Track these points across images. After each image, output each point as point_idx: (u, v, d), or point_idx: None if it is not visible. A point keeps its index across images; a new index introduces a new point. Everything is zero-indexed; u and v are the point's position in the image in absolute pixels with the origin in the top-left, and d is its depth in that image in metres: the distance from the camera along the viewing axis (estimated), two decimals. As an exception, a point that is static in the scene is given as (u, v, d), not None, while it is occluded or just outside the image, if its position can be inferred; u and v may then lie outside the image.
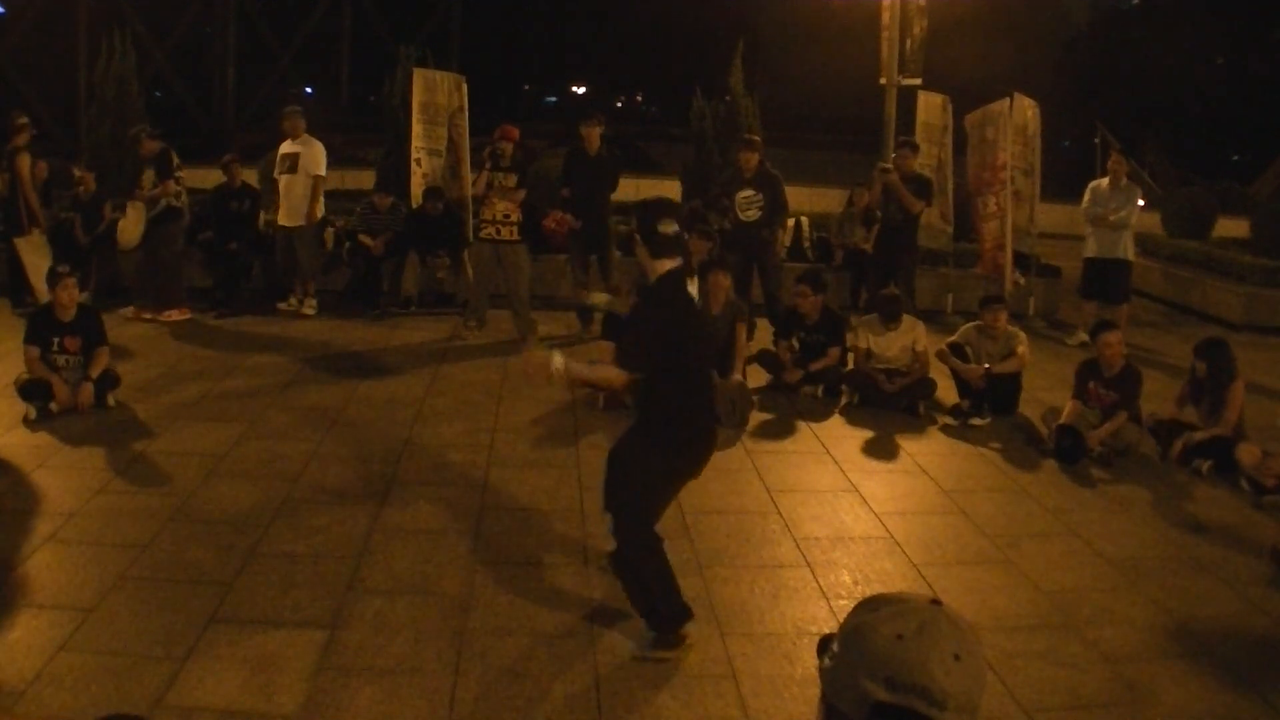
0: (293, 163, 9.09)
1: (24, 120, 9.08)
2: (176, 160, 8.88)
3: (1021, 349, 6.99)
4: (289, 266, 9.32)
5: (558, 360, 3.62)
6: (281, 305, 9.30)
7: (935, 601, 1.26)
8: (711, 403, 4.18)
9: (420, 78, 10.22)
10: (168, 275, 8.87)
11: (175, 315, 8.77)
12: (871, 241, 10.36)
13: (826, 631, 1.39)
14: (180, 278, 8.97)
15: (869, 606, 1.27)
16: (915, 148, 9.61)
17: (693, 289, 3.89)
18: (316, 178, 9.17)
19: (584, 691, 3.54)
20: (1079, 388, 6.47)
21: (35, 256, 8.89)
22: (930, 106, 10.89)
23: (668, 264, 3.75)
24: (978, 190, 10.20)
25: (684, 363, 3.79)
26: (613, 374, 3.88)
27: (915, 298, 9.22)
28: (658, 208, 3.82)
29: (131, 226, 8.91)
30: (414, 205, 9.93)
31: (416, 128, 10.14)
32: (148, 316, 8.68)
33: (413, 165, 10.19)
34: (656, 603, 3.78)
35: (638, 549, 3.80)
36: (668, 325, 3.73)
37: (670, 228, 3.74)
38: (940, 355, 7.12)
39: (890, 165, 9.21)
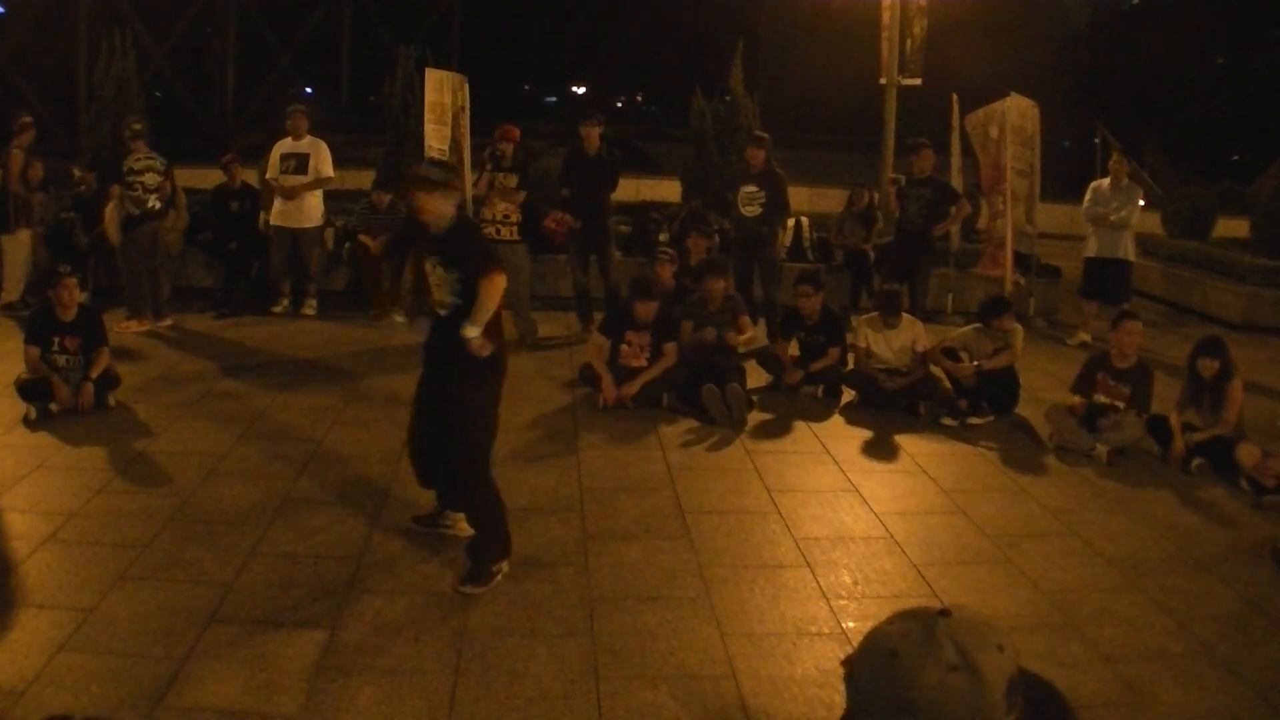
0: (300, 163, 9.02)
1: (28, 120, 9.06)
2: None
3: (1016, 341, 6.96)
4: (283, 268, 9.24)
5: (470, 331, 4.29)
6: (275, 309, 9.20)
7: (944, 612, 1.22)
8: None
9: (431, 77, 10.18)
10: (133, 283, 8.47)
11: (134, 327, 8.32)
12: (872, 242, 10.36)
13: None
14: (145, 289, 8.46)
15: (884, 652, 1.20)
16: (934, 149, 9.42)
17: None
18: (328, 179, 9.14)
19: (584, 692, 3.54)
20: (1085, 380, 6.46)
21: (15, 254, 8.94)
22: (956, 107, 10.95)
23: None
24: (989, 189, 10.19)
25: None
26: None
27: (925, 298, 9.23)
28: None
29: (110, 220, 8.72)
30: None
31: (428, 127, 10.06)
32: (120, 327, 8.04)
33: None
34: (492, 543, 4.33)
35: (487, 493, 4.37)
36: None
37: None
38: (932, 358, 7.10)
39: (899, 176, 9.11)
